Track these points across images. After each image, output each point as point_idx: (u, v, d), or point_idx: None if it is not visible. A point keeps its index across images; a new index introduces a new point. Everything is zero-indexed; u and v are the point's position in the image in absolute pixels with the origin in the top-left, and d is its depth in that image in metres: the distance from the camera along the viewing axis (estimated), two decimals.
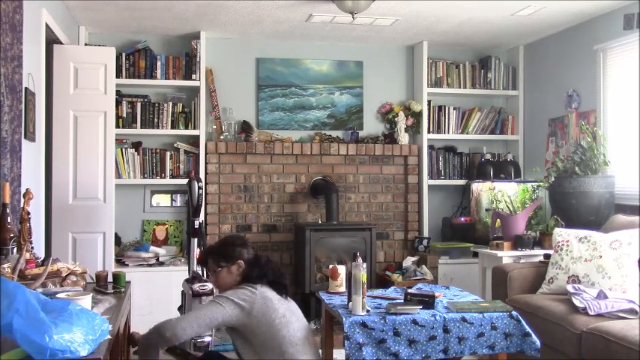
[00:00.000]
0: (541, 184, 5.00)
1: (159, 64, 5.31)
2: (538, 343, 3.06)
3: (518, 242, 4.64)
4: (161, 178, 5.34)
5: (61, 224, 4.50)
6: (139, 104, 5.30)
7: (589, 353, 3.23)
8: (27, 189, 2.90)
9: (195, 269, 4.19)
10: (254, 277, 2.88)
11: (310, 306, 5.05)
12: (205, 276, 3.80)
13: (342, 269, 3.65)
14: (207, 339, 3.79)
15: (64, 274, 2.66)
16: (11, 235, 2.62)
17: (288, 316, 2.86)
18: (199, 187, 4.32)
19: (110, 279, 3.02)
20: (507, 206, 5.05)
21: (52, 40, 4.33)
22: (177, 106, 5.38)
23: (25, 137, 3.38)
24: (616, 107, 4.70)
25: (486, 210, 5.42)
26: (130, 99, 5.30)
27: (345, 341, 2.90)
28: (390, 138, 5.76)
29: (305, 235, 5.07)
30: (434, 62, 5.79)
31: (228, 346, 4.33)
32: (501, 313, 3.08)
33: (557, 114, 5.33)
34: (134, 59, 5.27)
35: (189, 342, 3.73)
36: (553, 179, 4.62)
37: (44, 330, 1.65)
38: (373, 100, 5.88)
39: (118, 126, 5.08)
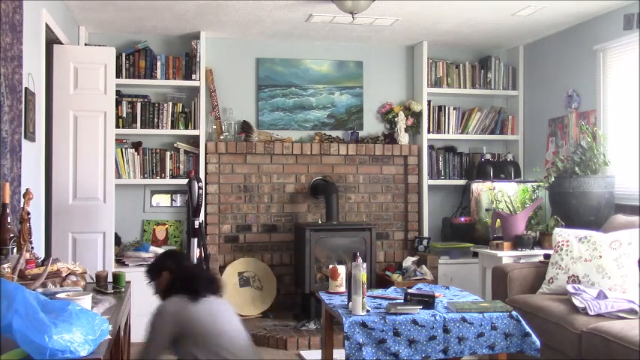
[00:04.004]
0: (541, 184, 5.00)
1: (159, 64, 5.31)
2: (538, 343, 3.06)
3: (518, 242, 4.65)
4: (161, 178, 5.34)
5: (61, 224, 4.49)
6: (139, 104, 5.30)
7: (589, 353, 3.23)
8: (27, 189, 2.91)
9: None
10: (176, 287, 2.99)
11: (310, 306, 5.06)
12: None
13: (342, 269, 3.65)
14: None
15: (64, 274, 2.66)
16: (11, 235, 2.62)
17: (217, 312, 2.93)
18: (199, 187, 4.32)
19: (110, 279, 3.03)
20: (507, 206, 5.05)
21: (52, 40, 4.33)
22: (177, 106, 5.38)
23: (25, 137, 3.38)
24: (616, 107, 4.70)
25: (486, 210, 5.42)
26: (130, 99, 5.30)
27: (345, 341, 2.91)
28: (390, 138, 5.76)
29: (305, 235, 5.07)
30: (434, 62, 5.79)
31: None
32: (501, 313, 3.08)
33: (557, 114, 5.33)
34: (134, 59, 5.27)
35: None
36: (553, 179, 4.62)
37: (44, 330, 1.65)
38: (373, 100, 5.87)
39: (118, 126, 5.08)
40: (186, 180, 4.50)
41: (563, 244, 3.99)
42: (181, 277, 3.04)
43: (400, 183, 5.75)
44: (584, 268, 3.82)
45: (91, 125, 4.59)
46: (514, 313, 3.10)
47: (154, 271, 3.18)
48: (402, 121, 5.70)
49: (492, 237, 4.91)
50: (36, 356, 1.64)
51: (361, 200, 5.69)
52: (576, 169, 4.53)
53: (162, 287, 3.09)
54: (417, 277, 5.18)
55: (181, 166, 5.40)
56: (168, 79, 5.33)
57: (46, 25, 3.95)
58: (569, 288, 3.68)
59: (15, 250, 2.63)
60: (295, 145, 5.49)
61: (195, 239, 4.30)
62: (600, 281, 3.73)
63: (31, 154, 3.60)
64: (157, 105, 5.33)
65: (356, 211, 5.68)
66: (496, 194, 5.29)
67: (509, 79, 5.93)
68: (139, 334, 4.18)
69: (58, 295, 2.21)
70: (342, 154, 5.58)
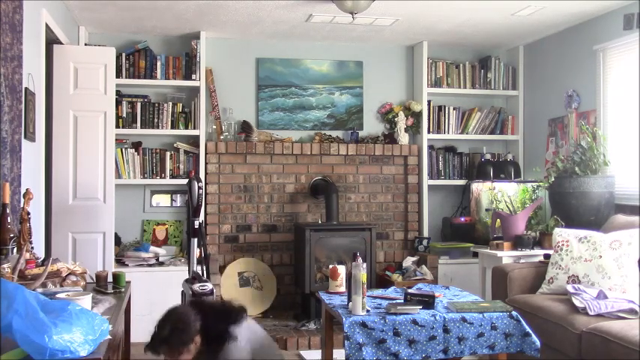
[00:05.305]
0: (541, 184, 4.99)
1: (159, 64, 5.31)
2: (538, 343, 3.06)
3: (518, 242, 4.65)
4: (161, 178, 5.34)
5: (61, 224, 4.50)
6: (139, 104, 5.30)
7: (589, 353, 3.23)
8: (27, 189, 2.91)
9: (195, 269, 4.19)
10: (216, 337, 2.75)
11: (310, 306, 5.05)
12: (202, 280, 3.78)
13: (342, 269, 3.65)
14: None
15: (64, 274, 2.66)
16: (11, 235, 2.62)
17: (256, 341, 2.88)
18: (199, 187, 4.31)
19: (110, 279, 3.02)
20: (507, 206, 5.05)
21: (52, 40, 4.33)
22: (177, 106, 5.37)
23: (25, 137, 3.38)
24: (616, 107, 4.70)
25: (486, 210, 5.42)
26: (130, 99, 5.30)
27: (345, 341, 2.91)
28: (390, 138, 5.76)
29: (305, 235, 5.07)
30: (434, 62, 5.79)
31: None
32: (501, 313, 3.08)
33: (557, 114, 5.33)
34: (134, 59, 5.27)
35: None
36: (553, 179, 4.62)
37: (44, 330, 1.66)
38: (373, 100, 5.87)
39: (118, 126, 5.08)
40: (186, 180, 4.49)
41: (563, 244, 3.99)
42: (212, 331, 2.75)
43: (400, 183, 5.75)
44: (584, 268, 3.82)
45: (91, 125, 4.59)
46: (514, 313, 3.10)
47: (185, 341, 2.70)
48: (402, 121, 5.70)
49: (492, 237, 4.91)
50: (36, 356, 1.64)
51: (361, 200, 5.69)
52: (576, 169, 4.53)
53: (193, 350, 2.74)
54: (417, 277, 5.18)
55: (181, 166, 5.40)
56: (168, 79, 5.33)
57: (46, 25, 3.95)
58: (569, 288, 3.68)
59: (15, 250, 2.63)
60: (295, 145, 5.49)
61: (195, 239, 4.30)
62: (600, 281, 3.73)
63: (31, 154, 3.60)
64: (157, 105, 5.33)
65: (356, 211, 5.68)
66: (496, 194, 5.29)
67: (509, 79, 5.93)
68: (138, 334, 4.18)
69: (58, 295, 2.21)
70: (342, 154, 5.58)
